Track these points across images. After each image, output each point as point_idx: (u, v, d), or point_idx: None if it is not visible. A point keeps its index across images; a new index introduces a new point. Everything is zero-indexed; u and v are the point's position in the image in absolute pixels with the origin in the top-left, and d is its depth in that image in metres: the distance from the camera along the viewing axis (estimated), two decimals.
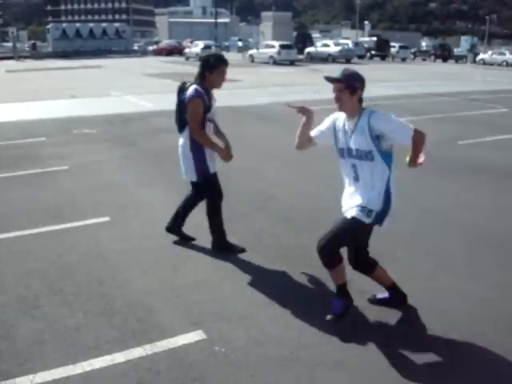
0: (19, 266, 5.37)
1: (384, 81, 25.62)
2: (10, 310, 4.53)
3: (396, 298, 4.47)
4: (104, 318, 4.35)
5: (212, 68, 5.21)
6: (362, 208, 3.98)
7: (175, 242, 5.87)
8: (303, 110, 4.29)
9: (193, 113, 5.20)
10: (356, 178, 4.07)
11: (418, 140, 3.91)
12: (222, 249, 5.62)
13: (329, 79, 3.98)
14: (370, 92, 16.78)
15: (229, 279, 5.00)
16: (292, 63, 40.27)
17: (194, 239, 5.88)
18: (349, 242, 4.18)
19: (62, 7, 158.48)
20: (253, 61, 43.16)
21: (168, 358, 3.81)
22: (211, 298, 4.64)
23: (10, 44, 67.66)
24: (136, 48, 66.53)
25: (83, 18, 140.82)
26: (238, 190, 7.76)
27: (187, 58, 47.35)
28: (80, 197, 7.67)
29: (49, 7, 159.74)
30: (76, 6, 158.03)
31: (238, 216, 6.73)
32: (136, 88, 22.94)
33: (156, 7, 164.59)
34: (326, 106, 16.52)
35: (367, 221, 3.99)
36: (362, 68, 36.16)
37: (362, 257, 4.34)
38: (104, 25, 68.58)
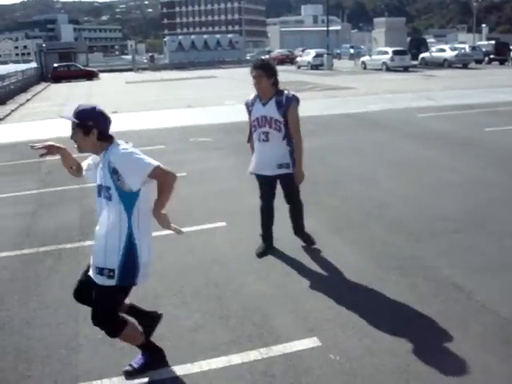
0: None
1: (503, 86, 24.38)
2: None
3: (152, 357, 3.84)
4: (221, 320, 4.48)
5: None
6: (101, 270, 3.39)
7: (288, 250, 5.92)
8: (51, 150, 3.62)
9: None
10: (100, 219, 3.49)
11: (161, 179, 3.29)
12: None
13: (65, 118, 3.42)
14: (487, 98, 16.04)
15: (343, 287, 4.97)
16: (406, 69, 39.34)
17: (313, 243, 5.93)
18: (116, 305, 3.52)
19: (178, 20, 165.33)
20: (365, 68, 42.64)
21: (283, 362, 3.85)
22: (326, 305, 4.64)
23: (129, 56, 71.50)
24: (248, 58, 67.81)
25: (198, 30, 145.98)
26: (351, 198, 7.70)
27: (299, 67, 47.60)
28: (198, 202, 7.95)
29: (165, 21, 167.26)
30: (191, 19, 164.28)
31: (351, 223, 6.68)
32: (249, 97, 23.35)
33: (268, 17, 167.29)
34: (440, 113, 16.06)
35: (113, 283, 3.38)
36: (480, 73, 34.70)
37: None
38: (218, 36, 70.68)
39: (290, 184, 5.68)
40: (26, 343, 4.31)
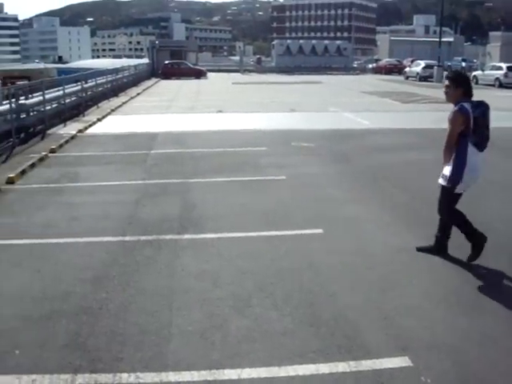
0: (235, 265, 5.72)
1: None
2: (225, 305, 4.84)
3: None
4: (311, 328, 4.43)
5: None
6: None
7: (383, 263, 5.78)
8: None
9: None
10: None
11: None
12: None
13: None
14: None
15: (441, 308, 4.79)
16: None
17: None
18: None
19: (287, 24, 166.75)
20: (477, 82, 40.93)
21: (372, 378, 3.76)
22: (421, 324, 4.48)
23: (236, 58, 72.85)
24: (355, 65, 67.17)
25: (306, 35, 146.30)
26: None
27: (407, 78, 46.51)
28: (295, 206, 7.94)
29: (275, 24, 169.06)
30: (300, 24, 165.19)
31: (455, 245, 6.40)
32: (353, 105, 23.16)
33: (378, 25, 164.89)
34: None
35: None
36: None
37: None
38: (326, 42, 70.39)
39: (440, 196, 5.78)
40: (122, 326, 4.47)
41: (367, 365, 3.91)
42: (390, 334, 4.33)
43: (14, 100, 13.61)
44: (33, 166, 10.74)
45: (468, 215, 7.07)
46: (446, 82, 5.60)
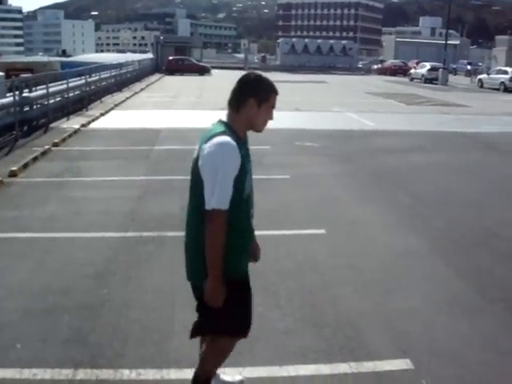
0: None
1: None
2: None
3: None
4: (313, 328, 4.43)
5: None
6: None
7: (385, 266, 5.77)
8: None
9: None
10: None
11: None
12: None
13: None
14: None
15: (443, 313, 4.78)
16: None
17: None
18: None
19: (293, 23, 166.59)
20: (482, 86, 40.93)
21: (373, 380, 3.77)
22: (422, 328, 4.48)
23: (241, 55, 72.81)
24: (360, 66, 67.08)
25: (311, 33, 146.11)
26: (458, 222, 7.38)
27: (412, 79, 46.42)
28: (298, 206, 7.93)
29: (280, 22, 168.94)
30: (306, 23, 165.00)
31: (456, 248, 6.41)
32: (358, 105, 23.13)
33: (383, 26, 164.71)
34: None
35: None
36: None
37: None
38: (331, 42, 70.26)
39: None
40: (124, 323, 4.47)
41: (368, 366, 3.91)
42: (391, 337, 4.33)
43: (17, 92, 13.59)
44: (35, 159, 10.73)
45: (473, 219, 7.08)
46: None
